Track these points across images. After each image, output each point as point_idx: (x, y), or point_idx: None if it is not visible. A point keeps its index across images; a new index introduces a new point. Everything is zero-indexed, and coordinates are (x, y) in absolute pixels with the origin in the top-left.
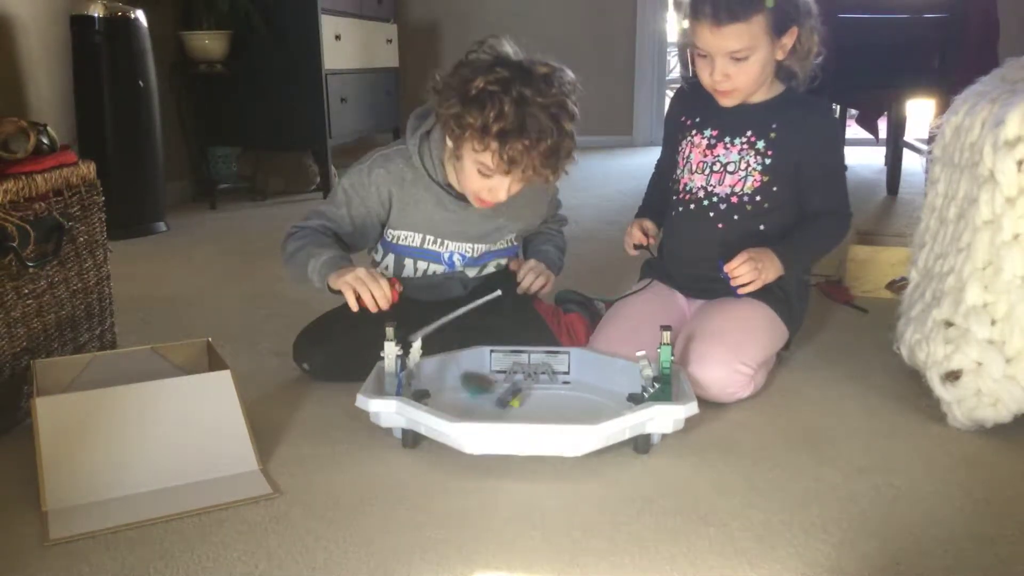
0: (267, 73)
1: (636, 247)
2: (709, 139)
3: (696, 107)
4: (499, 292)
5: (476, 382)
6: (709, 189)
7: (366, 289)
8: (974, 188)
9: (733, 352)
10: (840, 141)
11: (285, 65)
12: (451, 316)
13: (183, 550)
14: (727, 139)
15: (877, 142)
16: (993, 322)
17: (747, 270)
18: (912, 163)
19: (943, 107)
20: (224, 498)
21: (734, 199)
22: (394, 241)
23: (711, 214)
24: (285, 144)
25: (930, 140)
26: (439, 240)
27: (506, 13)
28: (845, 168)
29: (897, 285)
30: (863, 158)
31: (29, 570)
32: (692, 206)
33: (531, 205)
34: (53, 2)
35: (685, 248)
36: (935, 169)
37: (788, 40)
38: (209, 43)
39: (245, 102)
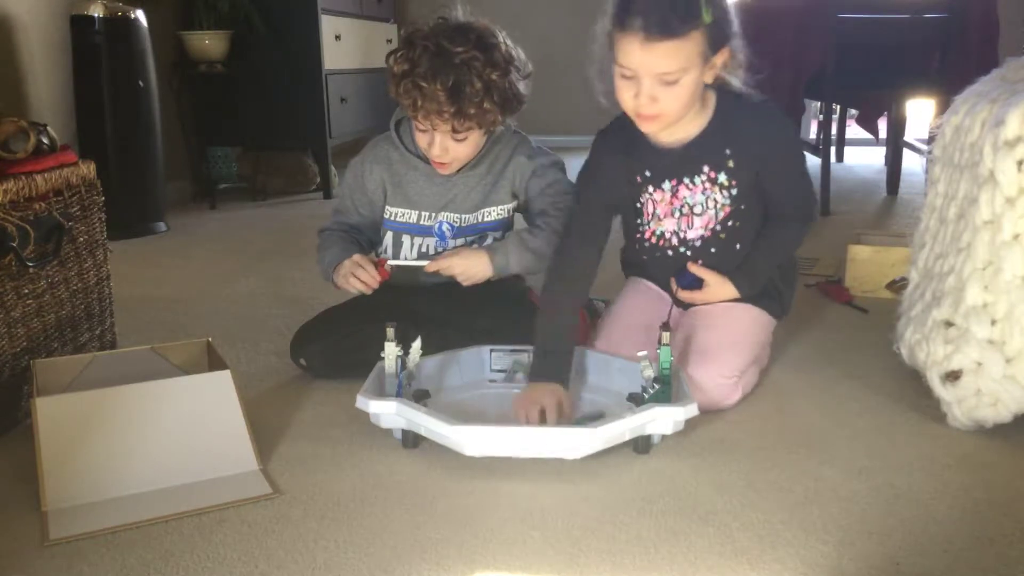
0: (267, 73)
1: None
2: (671, 189)
3: (637, 157)
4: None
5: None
6: (681, 235)
7: (354, 276)
8: (974, 188)
9: (715, 368)
10: (797, 140)
11: (285, 65)
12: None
13: (183, 550)
14: (686, 180)
15: (877, 142)
16: (993, 322)
17: (698, 302)
18: (912, 163)
19: (943, 107)
20: (224, 498)
21: (708, 234)
22: (392, 218)
23: (688, 253)
24: (285, 144)
25: (930, 140)
26: (431, 214)
27: (505, 13)
28: (806, 167)
29: (897, 285)
30: (863, 158)
31: (29, 570)
32: (669, 252)
33: (504, 184)
34: (53, 2)
35: (665, 282)
36: (935, 169)
37: (719, 60)
38: (209, 43)
39: (245, 102)
